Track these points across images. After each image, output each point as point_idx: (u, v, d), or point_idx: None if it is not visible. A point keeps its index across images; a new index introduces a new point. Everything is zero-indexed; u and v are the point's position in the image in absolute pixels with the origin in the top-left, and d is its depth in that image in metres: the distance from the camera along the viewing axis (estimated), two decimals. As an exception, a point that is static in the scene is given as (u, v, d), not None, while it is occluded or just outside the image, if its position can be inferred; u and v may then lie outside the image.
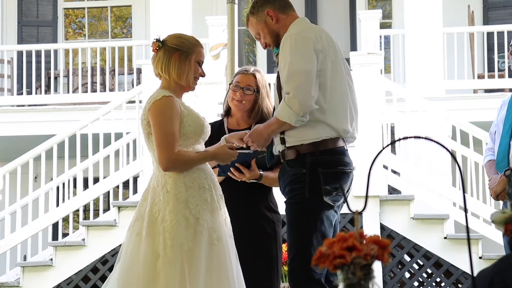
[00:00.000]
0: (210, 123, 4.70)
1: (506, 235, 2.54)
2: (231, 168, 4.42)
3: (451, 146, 8.86)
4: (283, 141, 4.16)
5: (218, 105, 9.00)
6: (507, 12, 12.82)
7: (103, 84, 12.13)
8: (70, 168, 9.32)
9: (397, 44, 12.15)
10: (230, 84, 4.72)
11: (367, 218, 8.38)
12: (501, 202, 5.21)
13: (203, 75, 4.11)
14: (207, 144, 4.15)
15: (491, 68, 11.82)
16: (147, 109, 3.96)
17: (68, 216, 9.44)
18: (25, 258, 9.62)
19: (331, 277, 4.14)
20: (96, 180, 9.37)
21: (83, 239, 8.85)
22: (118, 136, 9.39)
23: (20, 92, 12.16)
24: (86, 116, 9.61)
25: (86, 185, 9.39)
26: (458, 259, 8.28)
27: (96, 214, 9.85)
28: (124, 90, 11.79)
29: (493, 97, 10.74)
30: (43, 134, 10.66)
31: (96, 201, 9.60)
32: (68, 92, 12.03)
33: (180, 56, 4.01)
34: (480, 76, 11.61)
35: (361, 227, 8.15)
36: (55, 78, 12.69)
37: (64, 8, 14.09)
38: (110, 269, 8.41)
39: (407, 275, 8.62)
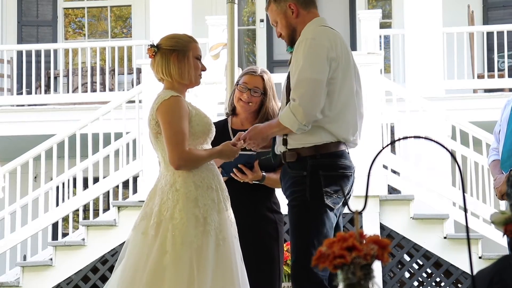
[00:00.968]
0: (213, 123, 4.72)
1: (506, 235, 2.54)
2: (233, 169, 4.42)
3: (451, 146, 8.86)
4: (285, 142, 4.15)
5: (218, 105, 9.01)
6: (507, 12, 12.82)
7: (102, 84, 12.13)
8: (70, 168, 9.32)
9: (397, 44, 12.15)
10: (237, 84, 4.69)
11: (367, 218, 8.38)
12: (503, 202, 5.21)
13: (204, 69, 4.11)
14: (211, 144, 4.16)
15: (491, 68, 11.82)
16: (155, 109, 3.96)
17: (68, 216, 9.43)
18: (24, 258, 9.62)
19: (334, 276, 4.14)
20: (96, 180, 9.37)
21: (83, 239, 8.85)
22: (118, 136, 9.39)
23: (20, 92, 12.16)
24: (85, 116, 9.61)
25: (86, 185, 9.39)
26: (458, 259, 8.28)
27: (96, 214, 9.85)
28: (124, 90, 11.78)
29: (493, 97, 10.75)
30: (43, 134, 10.66)
31: (96, 201, 9.60)
32: (68, 92, 12.02)
33: (178, 56, 4.01)
34: (480, 76, 11.61)
35: (361, 227, 8.16)
36: (55, 78, 12.68)
37: (64, 8, 14.09)
38: (110, 269, 8.41)
39: (407, 275, 8.62)
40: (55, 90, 12.55)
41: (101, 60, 13.10)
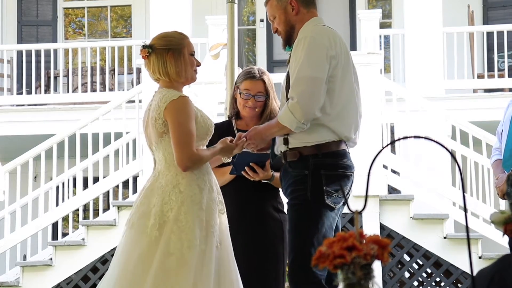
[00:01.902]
0: (217, 124, 4.72)
1: (505, 235, 2.54)
2: (245, 167, 4.42)
3: (450, 145, 8.86)
4: (286, 142, 4.14)
5: (218, 105, 9.00)
6: (507, 11, 12.82)
7: (102, 83, 12.13)
8: (69, 168, 9.32)
9: (397, 44, 12.15)
10: (237, 89, 4.65)
11: (367, 218, 8.38)
12: (503, 202, 5.22)
13: (199, 64, 4.10)
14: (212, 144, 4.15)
15: (490, 68, 11.82)
16: (164, 108, 3.92)
17: (67, 216, 9.43)
18: (24, 257, 9.62)
19: (334, 277, 4.14)
20: (95, 179, 9.37)
21: (83, 239, 8.85)
22: (118, 135, 9.39)
23: (19, 92, 12.15)
24: (85, 116, 9.61)
25: (85, 185, 9.39)
26: (458, 258, 8.28)
27: (96, 214, 9.85)
28: (123, 90, 11.78)
29: (493, 97, 10.75)
30: (42, 134, 10.66)
31: (96, 201, 9.60)
32: (68, 91, 12.02)
33: (173, 55, 3.98)
34: (480, 76, 11.61)
35: (361, 226, 8.16)
36: (55, 77, 12.69)
37: (64, 8, 14.10)
38: (110, 268, 8.41)
39: (407, 274, 8.62)
40: (55, 90, 12.55)
41: (101, 60, 13.10)
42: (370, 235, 2.14)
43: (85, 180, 9.41)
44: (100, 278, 8.57)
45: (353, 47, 12.67)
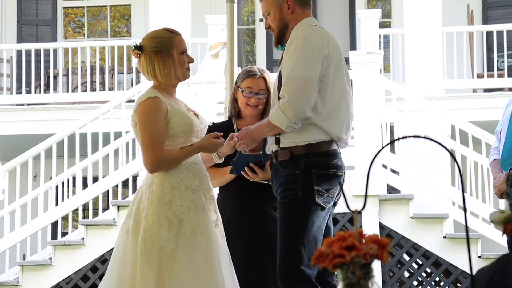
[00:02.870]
0: (218, 124, 4.71)
1: (505, 234, 2.54)
2: (245, 168, 4.41)
3: (450, 145, 8.86)
4: (277, 141, 4.14)
5: (217, 104, 9.00)
6: (507, 11, 12.82)
7: (102, 83, 12.13)
8: (69, 167, 9.32)
9: (397, 44, 12.15)
10: (238, 88, 4.65)
11: (367, 218, 8.37)
12: (502, 201, 5.22)
13: (191, 61, 4.05)
14: None
15: (490, 68, 11.83)
16: (134, 110, 3.96)
17: (67, 215, 9.43)
18: (24, 257, 9.62)
19: (328, 277, 4.14)
20: (95, 179, 9.37)
21: (82, 238, 8.84)
22: (118, 135, 9.39)
23: (19, 91, 12.15)
24: (85, 115, 9.60)
25: (85, 184, 9.39)
26: (457, 258, 8.28)
27: (96, 213, 9.85)
28: (123, 89, 11.79)
29: (493, 97, 10.75)
30: (42, 133, 10.66)
31: (96, 200, 9.60)
32: (68, 91, 12.02)
33: (162, 56, 3.96)
34: (480, 76, 11.61)
35: (360, 226, 8.15)
36: (55, 77, 12.68)
37: (64, 7, 14.10)
38: (110, 268, 8.40)
39: (406, 274, 8.62)
40: (55, 89, 12.55)
41: (101, 60, 13.10)
42: (369, 235, 2.14)
43: (85, 180, 9.41)
44: (99, 278, 8.57)
45: (353, 46, 12.68)
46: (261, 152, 4.30)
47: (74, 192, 9.62)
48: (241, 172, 4.43)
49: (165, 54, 3.96)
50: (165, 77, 3.97)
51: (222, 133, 4.08)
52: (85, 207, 10.36)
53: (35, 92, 12.25)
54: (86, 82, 11.85)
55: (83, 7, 14.18)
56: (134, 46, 4.01)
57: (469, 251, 2.29)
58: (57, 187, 9.51)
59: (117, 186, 9.37)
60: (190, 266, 3.81)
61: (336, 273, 2.14)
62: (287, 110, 3.99)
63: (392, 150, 9.27)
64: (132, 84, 11.64)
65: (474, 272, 2.40)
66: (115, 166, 9.37)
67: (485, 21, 12.88)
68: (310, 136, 4.08)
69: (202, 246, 3.86)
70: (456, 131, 9.11)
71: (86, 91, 11.84)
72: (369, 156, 8.14)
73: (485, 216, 8.47)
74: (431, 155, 9.00)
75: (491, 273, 2.46)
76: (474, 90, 11.69)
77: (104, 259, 8.70)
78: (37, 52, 12.09)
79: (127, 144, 9.43)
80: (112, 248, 4.01)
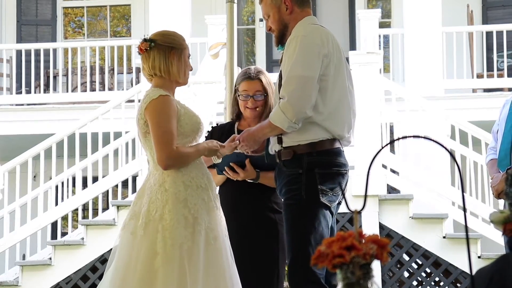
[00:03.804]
0: (219, 125, 4.72)
1: (505, 234, 2.54)
2: (225, 167, 4.42)
3: (450, 145, 8.86)
4: (280, 141, 4.14)
5: (217, 104, 9.00)
6: (506, 11, 12.82)
7: (102, 83, 12.13)
8: (69, 167, 9.32)
9: (396, 44, 12.15)
10: (236, 90, 4.66)
11: (366, 218, 8.37)
12: (501, 201, 5.21)
13: (191, 69, 4.11)
14: None
15: (490, 68, 11.83)
16: (144, 108, 3.94)
17: (67, 215, 9.42)
18: (24, 257, 9.62)
19: (330, 278, 4.14)
20: (95, 179, 9.37)
21: (82, 238, 8.84)
22: (117, 135, 9.39)
23: (19, 91, 12.15)
24: (85, 115, 9.60)
25: (85, 184, 9.38)
26: (457, 258, 8.28)
27: (95, 213, 9.84)
28: (123, 89, 11.78)
29: (492, 97, 10.75)
30: (42, 133, 10.66)
31: (95, 200, 9.60)
32: (67, 91, 12.02)
33: (176, 54, 3.98)
34: (479, 76, 11.61)
35: (360, 226, 8.14)
36: (54, 77, 12.68)
37: (63, 7, 14.10)
38: (109, 268, 8.40)
39: (406, 274, 8.62)
40: (54, 89, 12.55)
41: (101, 60, 13.10)
42: (369, 235, 2.14)
43: (85, 180, 9.41)
44: (99, 278, 8.57)
45: (353, 46, 12.68)
46: (264, 153, 4.30)
47: (73, 192, 9.62)
48: (223, 172, 4.44)
49: (179, 52, 4.00)
50: (178, 74, 3.99)
51: (218, 141, 4.10)
52: (85, 207, 10.36)
53: (35, 92, 12.25)
54: (85, 82, 11.85)
55: (83, 7, 14.18)
56: (144, 39, 4.00)
57: (469, 251, 2.29)
58: (56, 187, 9.51)
59: (116, 186, 9.37)
60: (205, 263, 3.84)
61: (336, 273, 2.14)
62: (287, 110, 3.99)
63: (392, 150, 9.27)
64: (131, 84, 11.64)
65: (473, 272, 2.40)
66: (114, 166, 9.37)
67: (485, 21, 12.88)
68: (313, 135, 4.07)
69: (212, 244, 3.89)
70: (456, 131, 9.11)
71: (85, 91, 11.84)
72: (369, 156, 8.13)
73: (485, 216, 8.47)
74: (431, 155, 9.00)
75: (491, 273, 2.46)
76: (474, 90, 11.69)
77: (104, 259, 8.70)
78: (37, 52, 12.09)
79: (127, 144, 9.43)
80: (112, 248, 4.01)
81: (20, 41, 13.44)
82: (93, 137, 9.29)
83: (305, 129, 4.06)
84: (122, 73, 12.32)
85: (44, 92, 12.01)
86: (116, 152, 9.47)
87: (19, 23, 13.72)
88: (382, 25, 12.08)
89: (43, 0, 13.79)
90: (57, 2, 13.88)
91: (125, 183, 9.58)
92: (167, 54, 3.97)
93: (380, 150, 2.33)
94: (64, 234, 10.11)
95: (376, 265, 7.57)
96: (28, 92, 12.27)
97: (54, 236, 10.68)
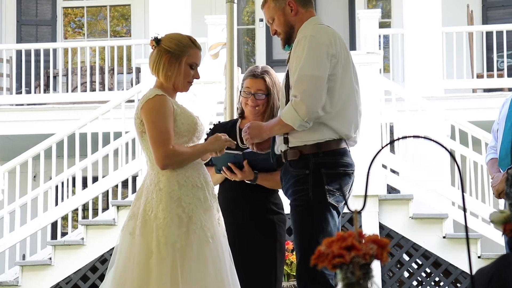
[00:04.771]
0: (221, 123, 4.71)
1: (505, 234, 2.54)
2: (223, 167, 4.42)
3: (450, 145, 8.86)
4: (286, 141, 4.13)
5: (217, 104, 9.00)
6: (506, 11, 12.82)
7: (102, 83, 12.13)
8: (69, 167, 9.32)
9: (396, 44, 12.15)
10: (242, 86, 4.67)
11: (366, 218, 8.38)
12: (501, 201, 5.20)
13: (196, 77, 4.06)
14: None
15: (490, 68, 11.83)
16: (140, 108, 3.95)
17: (67, 215, 9.43)
18: (24, 257, 9.62)
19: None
20: (95, 179, 9.37)
21: (82, 238, 8.85)
22: (117, 135, 9.39)
23: (19, 91, 12.15)
24: (85, 115, 9.60)
25: (85, 184, 9.39)
26: (457, 258, 8.29)
27: (95, 213, 9.84)
28: (123, 89, 11.78)
29: (492, 97, 10.75)
30: (42, 133, 10.66)
31: (95, 200, 9.60)
32: (67, 91, 12.02)
33: (170, 59, 3.98)
34: (479, 76, 11.61)
35: (360, 226, 8.15)
36: (54, 77, 12.68)
37: (63, 7, 14.10)
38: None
39: (406, 274, 8.62)
40: (54, 89, 12.55)
41: (101, 60, 13.10)
42: (369, 235, 2.14)
43: (84, 180, 9.41)
44: (99, 278, 8.57)
45: (353, 46, 12.67)
46: (269, 151, 4.30)
47: (73, 192, 9.62)
48: (221, 171, 4.44)
49: (174, 58, 3.98)
50: (165, 77, 3.99)
51: (225, 135, 4.09)
52: (85, 207, 10.36)
53: (35, 92, 12.25)
54: (85, 82, 11.85)
55: (82, 7, 14.18)
56: (154, 37, 4.02)
57: (469, 251, 2.29)
58: (56, 187, 9.51)
59: (116, 186, 9.37)
60: (198, 263, 3.84)
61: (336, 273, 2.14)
62: (300, 108, 3.98)
63: (392, 150, 9.27)
64: (131, 84, 11.64)
65: (473, 272, 2.40)
66: (114, 166, 9.37)
67: (485, 21, 12.88)
68: (319, 135, 4.07)
69: (210, 243, 3.89)
70: (455, 131, 9.11)
71: (85, 91, 11.84)
72: (368, 156, 8.13)
73: (485, 216, 8.47)
74: (431, 155, 9.00)
75: (491, 273, 2.46)
76: (474, 90, 11.69)
77: (103, 259, 8.70)
78: (37, 52, 12.09)
79: (126, 144, 9.43)
80: (112, 248, 4.02)
81: (20, 41, 13.44)
82: (93, 137, 9.30)
83: (312, 129, 4.06)
84: (122, 73, 12.31)
85: (44, 92, 12.01)
86: (116, 152, 9.47)
87: (19, 23, 13.72)
88: (382, 25, 12.08)
89: (43, 0, 13.78)
90: (57, 2, 13.88)
91: (125, 183, 9.58)
92: (161, 56, 3.99)
93: (380, 150, 2.33)
94: (64, 234, 10.11)
95: (376, 265, 7.58)
96: (28, 92, 12.27)
97: (54, 236, 10.68)
